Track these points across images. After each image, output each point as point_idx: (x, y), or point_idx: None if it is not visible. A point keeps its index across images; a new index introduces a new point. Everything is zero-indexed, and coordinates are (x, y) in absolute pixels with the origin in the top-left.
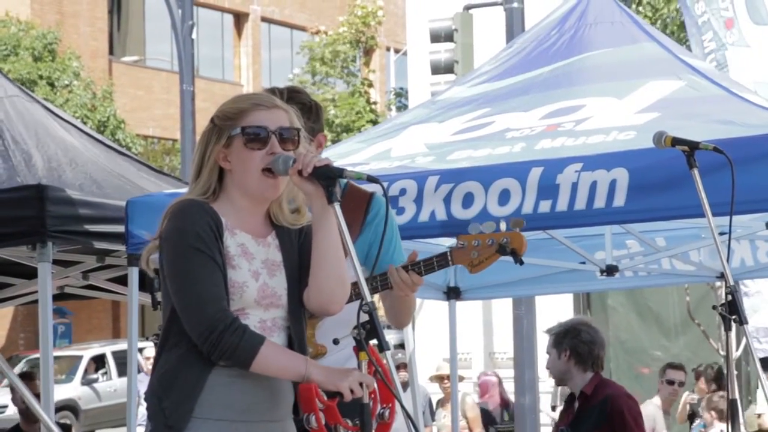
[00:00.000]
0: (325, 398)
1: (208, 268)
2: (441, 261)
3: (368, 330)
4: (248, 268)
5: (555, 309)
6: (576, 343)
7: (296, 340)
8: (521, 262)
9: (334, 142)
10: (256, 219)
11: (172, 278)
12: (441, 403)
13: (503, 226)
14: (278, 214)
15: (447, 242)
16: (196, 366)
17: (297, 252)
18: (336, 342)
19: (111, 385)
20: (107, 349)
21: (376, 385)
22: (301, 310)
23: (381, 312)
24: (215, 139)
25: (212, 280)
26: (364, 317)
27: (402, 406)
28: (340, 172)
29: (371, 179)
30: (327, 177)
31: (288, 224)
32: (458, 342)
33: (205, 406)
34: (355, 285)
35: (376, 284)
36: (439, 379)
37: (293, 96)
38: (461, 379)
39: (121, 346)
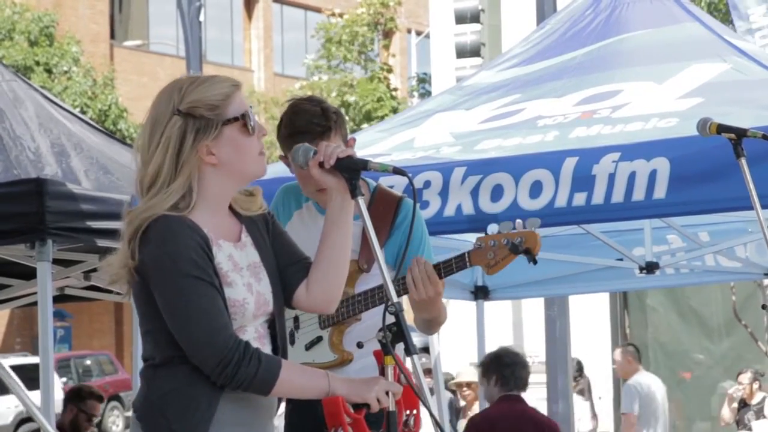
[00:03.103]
0: (352, 410)
1: (209, 296)
2: (459, 262)
3: (394, 333)
4: (242, 282)
5: (590, 309)
6: None
7: (280, 341)
8: (534, 262)
9: (353, 131)
10: (225, 216)
11: (170, 312)
12: (462, 412)
13: (519, 225)
14: (232, 201)
15: (474, 238)
16: (208, 386)
17: (270, 250)
18: (360, 345)
19: None
20: None
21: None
22: (283, 311)
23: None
24: (195, 135)
25: (216, 309)
26: (390, 319)
27: (431, 414)
28: (364, 164)
29: (397, 171)
30: (350, 169)
31: (242, 210)
32: (486, 345)
33: (218, 426)
34: (381, 288)
35: (398, 288)
36: (459, 386)
37: (329, 108)
38: None
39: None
